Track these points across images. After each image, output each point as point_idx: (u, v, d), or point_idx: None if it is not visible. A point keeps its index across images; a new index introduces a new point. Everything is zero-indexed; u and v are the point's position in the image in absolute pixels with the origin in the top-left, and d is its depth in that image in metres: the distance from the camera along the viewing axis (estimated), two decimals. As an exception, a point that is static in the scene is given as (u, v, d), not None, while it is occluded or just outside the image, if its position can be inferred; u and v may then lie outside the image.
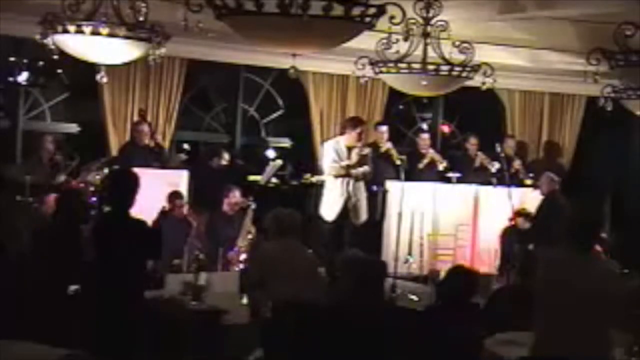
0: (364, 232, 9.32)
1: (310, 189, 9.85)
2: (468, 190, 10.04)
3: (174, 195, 8.44)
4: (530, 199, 9.86)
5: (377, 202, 9.72)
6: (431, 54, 7.60)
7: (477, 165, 10.63)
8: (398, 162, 9.49)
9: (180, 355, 6.10)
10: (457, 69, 7.46)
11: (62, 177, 8.78)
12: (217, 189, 9.24)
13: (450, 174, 10.40)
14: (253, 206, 8.64)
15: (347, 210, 9.20)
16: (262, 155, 11.56)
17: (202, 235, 8.44)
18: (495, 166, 10.26)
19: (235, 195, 8.77)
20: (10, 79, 10.13)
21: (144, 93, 10.01)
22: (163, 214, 7.90)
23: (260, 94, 11.70)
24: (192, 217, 8.45)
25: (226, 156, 10.30)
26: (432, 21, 7.52)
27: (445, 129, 12.48)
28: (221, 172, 10.12)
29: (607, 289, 4.65)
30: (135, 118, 9.77)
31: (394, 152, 10.10)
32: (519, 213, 9.32)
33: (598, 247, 5.63)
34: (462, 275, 6.10)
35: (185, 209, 8.38)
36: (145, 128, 9.39)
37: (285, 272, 6.12)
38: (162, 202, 8.25)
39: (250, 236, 8.40)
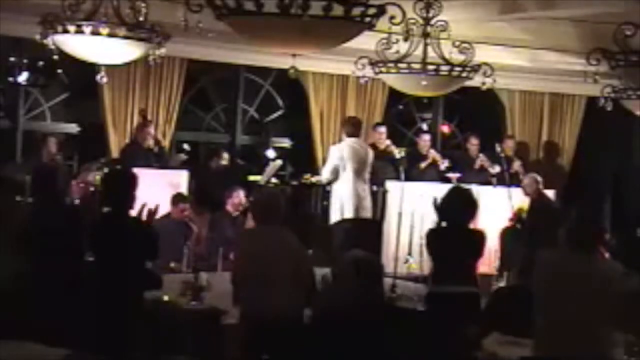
0: (364, 232, 9.31)
1: (311, 189, 9.83)
2: (468, 190, 10.02)
3: (178, 198, 8.30)
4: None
5: (377, 202, 9.72)
6: (431, 54, 7.60)
7: (477, 167, 10.64)
8: (398, 156, 9.50)
9: (179, 356, 6.09)
10: (457, 69, 7.46)
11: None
12: (217, 189, 9.23)
13: (450, 174, 10.40)
14: None
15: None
16: (262, 155, 11.57)
17: (202, 240, 8.36)
18: (495, 169, 10.27)
19: (239, 196, 8.71)
20: (10, 79, 10.14)
21: (144, 93, 10.02)
22: (160, 218, 7.84)
23: (260, 94, 11.71)
24: (194, 220, 8.35)
25: (225, 156, 10.30)
26: (432, 21, 7.53)
27: (445, 129, 12.48)
28: (221, 172, 10.13)
29: (608, 290, 4.65)
30: (136, 118, 9.78)
31: (392, 148, 10.09)
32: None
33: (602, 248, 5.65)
34: (460, 195, 6.24)
35: (187, 213, 8.29)
36: (151, 130, 9.43)
37: (259, 269, 5.56)
38: (162, 202, 8.21)
39: None
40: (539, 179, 9.55)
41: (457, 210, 6.26)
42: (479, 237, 6.36)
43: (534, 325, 4.86)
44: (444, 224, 6.32)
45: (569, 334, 4.65)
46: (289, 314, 5.46)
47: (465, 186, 7.10)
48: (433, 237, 6.43)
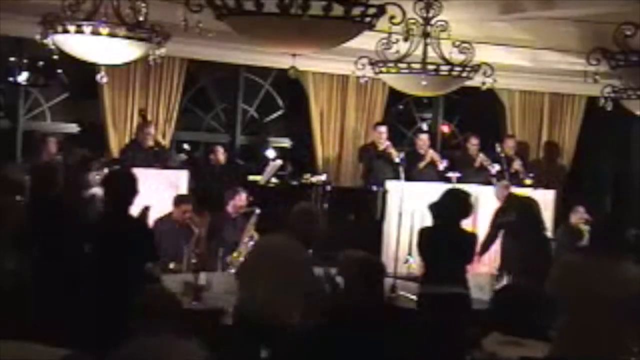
0: (364, 232, 9.31)
1: (310, 189, 9.82)
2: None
3: (180, 199, 8.20)
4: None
5: (377, 202, 9.71)
6: (431, 54, 7.60)
7: (477, 166, 10.63)
8: (397, 160, 9.49)
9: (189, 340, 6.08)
10: (457, 69, 7.46)
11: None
12: (217, 188, 9.22)
13: (450, 174, 10.39)
14: (257, 211, 8.43)
15: None
16: (262, 155, 11.57)
17: (202, 241, 8.31)
18: (495, 168, 10.26)
19: (242, 199, 8.50)
20: (10, 79, 10.15)
21: (144, 93, 10.02)
22: (161, 219, 7.83)
23: (260, 94, 11.71)
24: (194, 221, 8.29)
25: (221, 150, 10.29)
26: (432, 21, 7.53)
27: (445, 129, 12.49)
28: (221, 171, 10.12)
29: (631, 293, 4.59)
30: (136, 118, 9.78)
31: (392, 150, 10.10)
32: None
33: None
34: (454, 195, 6.25)
35: (189, 214, 8.23)
36: (152, 130, 9.42)
37: (258, 273, 5.75)
38: (162, 202, 8.21)
39: (251, 242, 8.14)
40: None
41: (448, 210, 6.26)
42: (470, 239, 6.34)
43: (538, 327, 4.85)
44: (435, 223, 6.33)
45: (592, 337, 4.63)
46: (281, 316, 5.53)
47: (463, 187, 7.09)
48: (423, 237, 6.41)
